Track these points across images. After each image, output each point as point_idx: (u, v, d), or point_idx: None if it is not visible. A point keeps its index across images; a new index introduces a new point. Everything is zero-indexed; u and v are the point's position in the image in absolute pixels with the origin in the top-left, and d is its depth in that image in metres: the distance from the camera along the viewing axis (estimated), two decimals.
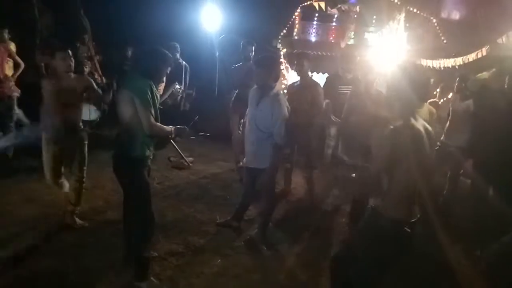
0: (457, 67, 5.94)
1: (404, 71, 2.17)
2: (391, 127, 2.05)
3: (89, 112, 6.50)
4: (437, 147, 4.44)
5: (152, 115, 2.60)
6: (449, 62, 6.15)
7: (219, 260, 3.26)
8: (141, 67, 2.70)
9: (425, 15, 8.85)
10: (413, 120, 2.06)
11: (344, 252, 2.48)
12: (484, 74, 4.19)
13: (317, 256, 3.47)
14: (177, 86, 6.22)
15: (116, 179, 2.81)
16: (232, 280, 3.02)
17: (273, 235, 3.75)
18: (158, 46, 2.84)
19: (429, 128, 2.16)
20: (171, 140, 4.88)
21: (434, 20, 8.77)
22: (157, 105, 2.70)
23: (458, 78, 4.47)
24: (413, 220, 2.12)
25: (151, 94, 2.60)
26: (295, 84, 4.66)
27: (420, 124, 2.10)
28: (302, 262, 3.37)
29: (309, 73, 4.61)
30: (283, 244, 3.63)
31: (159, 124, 2.69)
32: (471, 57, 5.59)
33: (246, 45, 5.21)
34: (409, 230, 2.10)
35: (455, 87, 4.49)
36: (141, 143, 2.66)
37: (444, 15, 9.14)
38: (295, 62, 4.54)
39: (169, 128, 2.77)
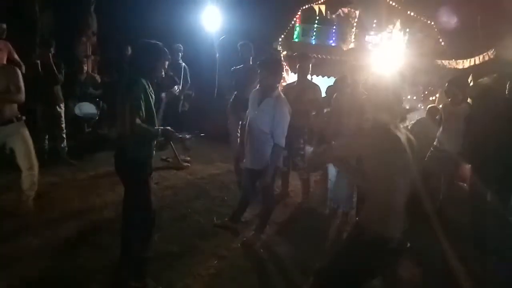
0: (466, 67, 6.09)
1: (380, 83, 2.15)
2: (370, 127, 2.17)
3: (84, 108, 6.50)
4: (430, 152, 4.42)
5: (142, 115, 2.52)
6: (458, 64, 6.31)
7: (216, 262, 3.24)
8: (136, 64, 2.65)
9: (424, 19, 8.87)
10: (392, 126, 2.00)
11: (327, 267, 2.26)
12: (485, 80, 4.17)
13: (314, 258, 3.44)
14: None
15: (118, 177, 2.79)
16: (228, 281, 3.00)
17: (271, 237, 3.73)
18: (152, 41, 2.74)
19: (411, 137, 2.07)
20: (170, 142, 4.86)
21: (434, 25, 8.79)
22: (152, 103, 2.64)
23: (448, 82, 4.40)
24: (398, 235, 1.98)
25: (144, 93, 2.54)
26: (293, 85, 4.63)
27: (402, 132, 2.03)
28: (299, 265, 3.34)
29: (309, 76, 4.59)
30: (280, 247, 3.61)
31: (144, 125, 2.56)
32: (478, 59, 5.65)
33: (243, 47, 5.18)
34: (393, 246, 1.97)
35: (446, 91, 4.44)
36: (142, 144, 2.63)
37: (443, 19, 9.16)
38: (299, 63, 4.50)
39: (156, 129, 2.69)
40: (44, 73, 4.95)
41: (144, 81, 2.58)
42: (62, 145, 5.32)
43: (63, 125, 5.32)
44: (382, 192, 2.00)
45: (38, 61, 4.90)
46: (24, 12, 6.94)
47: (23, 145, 3.63)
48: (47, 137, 5.26)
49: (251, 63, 5.17)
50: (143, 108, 2.53)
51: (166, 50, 2.75)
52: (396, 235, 1.98)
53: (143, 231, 2.75)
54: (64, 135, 5.34)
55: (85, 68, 7.05)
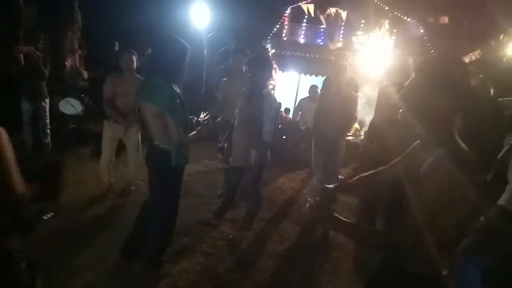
0: None
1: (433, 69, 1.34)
2: (432, 158, 1.30)
3: (71, 106, 6.40)
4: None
5: (183, 125, 2.49)
6: None
7: (201, 259, 3.24)
8: (160, 67, 2.38)
9: (412, 20, 9.01)
10: (459, 141, 1.34)
11: None
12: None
13: (301, 255, 3.48)
14: None
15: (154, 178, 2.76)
16: (214, 278, 3.01)
17: (257, 234, 3.75)
18: (174, 36, 2.48)
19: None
20: None
21: (421, 26, 8.94)
22: (185, 108, 2.53)
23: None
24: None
25: (179, 102, 2.43)
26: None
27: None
28: (285, 262, 3.37)
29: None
30: (266, 244, 3.62)
31: (188, 135, 2.58)
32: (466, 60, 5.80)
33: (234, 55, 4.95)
34: None
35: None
36: (179, 153, 2.60)
37: (430, 21, 9.32)
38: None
39: (195, 134, 2.65)
40: (29, 68, 4.86)
41: (173, 87, 2.42)
42: (46, 141, 5.24)
43: (48, 121, 5.24)
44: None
45: (21, 55, 4.80)
46: (8, 7, 6.80)
47: (133, 140, 4.16)
48: (31, 132, 5.18)
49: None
50: (182, 117, 2.48)
51: (188, 45, 2.49)
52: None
53: (172, 221, 2.85)
54: (49, 131, 5.26)
55: (68, 63, 6.93)
